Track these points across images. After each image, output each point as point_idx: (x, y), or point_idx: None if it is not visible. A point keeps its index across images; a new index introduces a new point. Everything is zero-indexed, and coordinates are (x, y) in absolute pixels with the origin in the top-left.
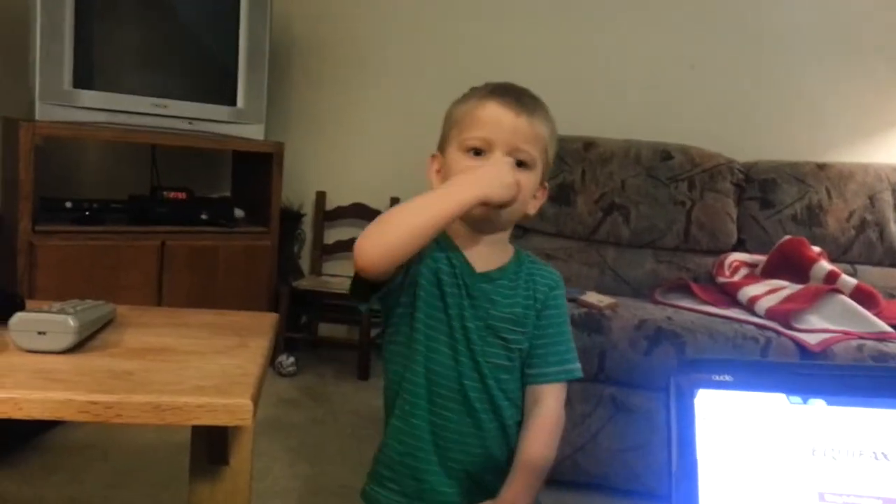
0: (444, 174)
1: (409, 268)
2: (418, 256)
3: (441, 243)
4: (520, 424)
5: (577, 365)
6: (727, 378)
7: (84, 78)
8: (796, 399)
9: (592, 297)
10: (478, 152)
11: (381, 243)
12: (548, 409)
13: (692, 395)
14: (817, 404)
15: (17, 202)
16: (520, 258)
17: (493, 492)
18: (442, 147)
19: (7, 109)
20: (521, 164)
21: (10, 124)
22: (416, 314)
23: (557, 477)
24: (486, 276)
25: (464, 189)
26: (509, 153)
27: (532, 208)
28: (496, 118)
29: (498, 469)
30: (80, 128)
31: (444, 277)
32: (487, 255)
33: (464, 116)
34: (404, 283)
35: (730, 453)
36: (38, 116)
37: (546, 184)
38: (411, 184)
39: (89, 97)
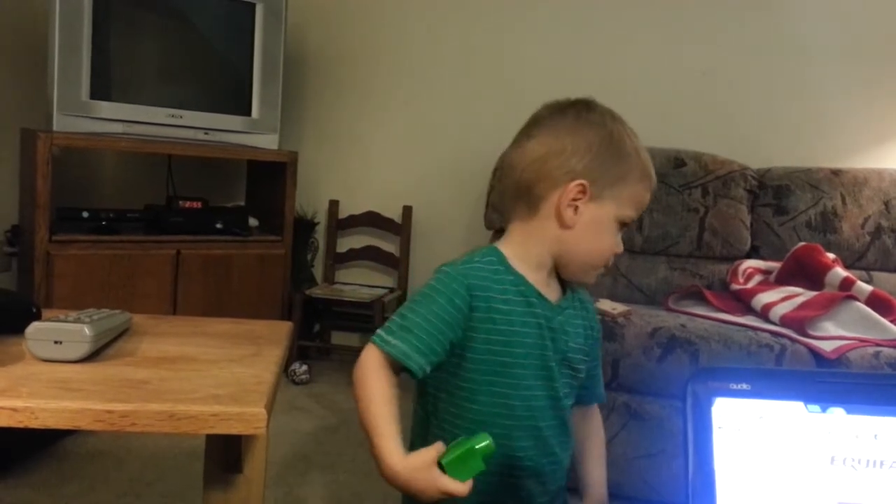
0: (582, 220)
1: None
2: (465, 325)
3: (511, 275)
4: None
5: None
6: (744, 386)
7: (101, 89)
8: (815, 408)
9: (606, 305)
10: (620, 227)
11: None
12: (600, 428)
13: (709, 404)
14: (837, 413)
15: (35, 212)
16: (573, 286)
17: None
18: (597, 184)
19: (25, 121)
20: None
21: (28, 135)
22: (473, 366)
23: (570, 485)
24: (559, 307)
25: (384, 464)
26: None
27: None
28: (643, 208)
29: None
30: (97, 138)
31: (517, 325)
32: (553, 285)
33: (634, 185)
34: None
35: (747, 462)
36: (55, 127)
37: None
38: (424, 192)
39: (106, 108)
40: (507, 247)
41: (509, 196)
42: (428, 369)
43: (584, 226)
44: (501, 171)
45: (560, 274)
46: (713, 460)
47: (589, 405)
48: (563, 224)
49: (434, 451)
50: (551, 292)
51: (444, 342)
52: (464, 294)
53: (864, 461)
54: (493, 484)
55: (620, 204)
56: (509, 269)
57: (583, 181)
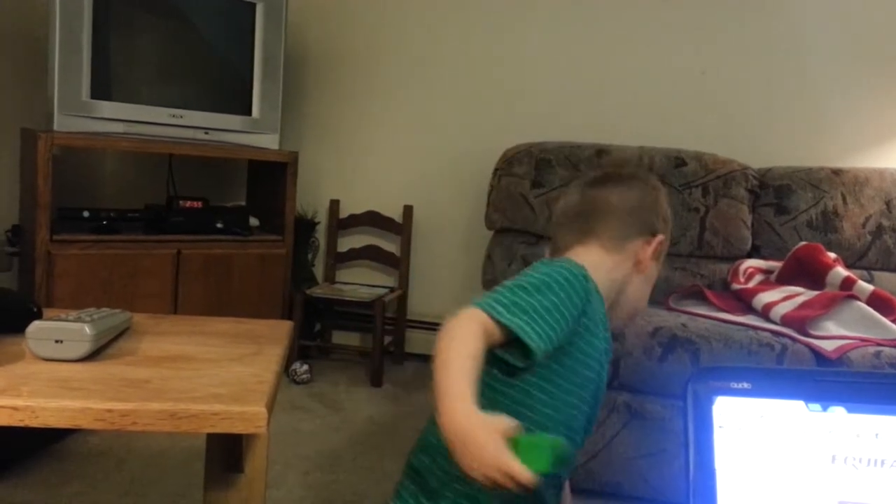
0: (651, 276)
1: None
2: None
3: (597, 294)
4: None
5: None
6: (745, 385)
7: (101, 89)
8: (815, 406)
9: None
10: None
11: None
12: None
13: (710, 403)
14: (837, 412)
15: (36, 212)
16: None
17: None
18: (664, 247)
19: (26, 121)
20: None
21: (28, 135)
22: (588, 360)
23: (571, 485)
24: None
25: (447, 410)
26: None
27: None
28: None
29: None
30: (98, 138)
31: (599, 338)
32: None
33: (667, 241)
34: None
35: (748, 461)
36: (56, 127)
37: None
38: (425, 191)
39: (107, 108)
40: (590, 268)
41: (598, 223)
42: (549, 352)
43: (647, 277)
44: (584, 196)
45: (607, 313)
46: (714, 459)
47: None
48: (638, 270)
49: (506, 422)
50: None
51: (560, 334)
52: (583, 295)
53: (865, 460)
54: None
55: (659, 257)
56: (595, 290)
57: (663, 238)
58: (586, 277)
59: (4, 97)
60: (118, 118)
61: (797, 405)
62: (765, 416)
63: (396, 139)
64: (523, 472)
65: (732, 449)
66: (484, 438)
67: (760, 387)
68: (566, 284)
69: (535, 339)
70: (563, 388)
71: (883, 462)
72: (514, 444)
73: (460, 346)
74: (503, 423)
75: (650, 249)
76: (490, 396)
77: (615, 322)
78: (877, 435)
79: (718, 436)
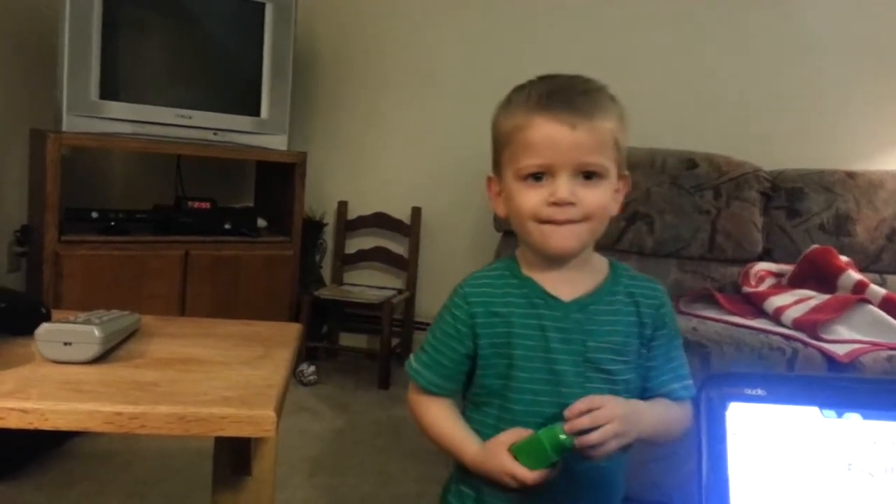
0: (505, 201)
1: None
2: (472, 333)
3: (515, 279)
4: (618, 463)
5: (692, 381)
6: (759, 392)
7: (111, 90)
8: (830, 413)
9: None
10: (538, 176)
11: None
12: (676, 410)
13: (724, 409)
14: (853, 418)
15: (44, 212)
16: (616, 275)
17: None
18: (495, 167)
19: (35, 121)
20: (589, 175)
21: (37, 135)
22: (483, 372)
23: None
24: (577, 304)
25: (466, 461)
26: (575, 171)
27: (615, 205)
28: (550, 139)
29: None
30: (107, 139)
31: (517, 327)
32: (572, 280)
33: (513, 137)
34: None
35: (762, 468)
36: (65, 128)
37: (626, 173)
38: (433, 193)
39: (116, 108)
40: (518, 253)
41: None
42: (440, 381)
43: (507, 203)
44: None
45: (541, 253)
46: (727, 466)
47: None
48: (502, 217)
49: (511, 434)
50: (570, 290)
51: (451, 355)
52: (461, 304)
53: (881, 467)
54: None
55: (513, 164)
56: (516, 274)
57: (489, 174)
58: (462, 285)
59: (14, 97)
60: (127, 118)
61: (812, 411)
62: (779, 422)
63: (405, 141)
64: (525, 473)
65: (746, 456)
66: (491, 461)
67: (775, 393)
68: (448, 305)
69: (425, 375)
70: (494, 384)
71: None
72: (515, 451)
73: (426, 420)
74: (505, 437)
75: (491, 197)
76: (466, 411)
77: (540, 249)
78: (894, 442)
79: (732, 442)
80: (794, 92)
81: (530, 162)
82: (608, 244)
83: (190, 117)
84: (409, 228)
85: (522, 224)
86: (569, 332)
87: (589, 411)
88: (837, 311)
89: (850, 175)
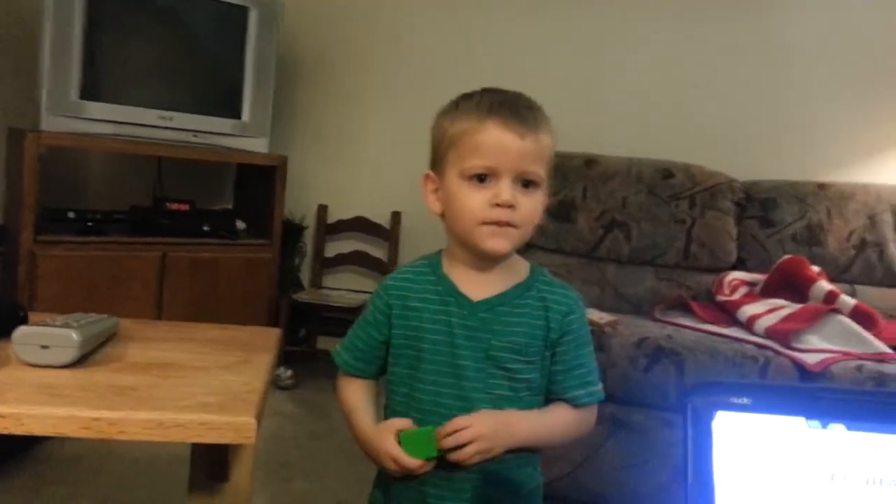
0: (443, 199)
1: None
2: (388, 322)
3: (433, 276)
4: (527, 461)
5: (601, 386)
6: (745, 401)
7: (92, 90)
8: (815, 423)
9: (593, 315)
10: (482, 178)
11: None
12: (564, 414)
13: (710, 418)
14: (837, 429)
15: (21, 212)
16: (532, 280)
17: None
18: (436, 166)
19: (13, 120)
20: (527, 184)
21: (15, 134)
22: (394, 360)
23: (556, 494)
24: (486, 304)
25: (360, 446)
26: (516, 178)
27: (540, 216)
28: (500, 144)
29: None
30: (86, 139)
31: (427, 322)
32: (487, 281)
33: (462, 139)
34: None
35: (747, 477)
36: (44, 127)
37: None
38: (413, 198)
39: (96, 109)
40: (444, 250)
41: None
42: (354, 363)
43: (446, 202)
44: None
45: (473, 252)
46: (713, 475)
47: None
48: (435, 213)
49: (399, 422)
50: (483, 289)
51: (368, 340)
52: (382, 295)
53: (865, 479)
54: (397, 487)
55: (458, 164)
56: (435, 271)
57: (427, 172)
58: (387, 278)
59: None
60: (107, 119)
61: (798, 422)
62: (764, 432)
63: (385, 145)
64: (406, 459)
65: (732, 465)
66: (377, 441)
67: (761, 402)
68: (373, 296)
69: (342, 356)
70: (402, 373)
71: (882, 481)
72: (401, 439)
73: (341, 398)
74: (394, 424)
75: (425, 195)
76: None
77: (481, 250)
78: (876, 453)
79: (717, 451)
80: (768, 104)
81: (478, 163)
82: (585, 252)
83: (171, 118)
84: (389, 233)
85: (462, 222)
86: (474, 331)
87: (456, 431)
88: (809, 320)
89: (822, 186)
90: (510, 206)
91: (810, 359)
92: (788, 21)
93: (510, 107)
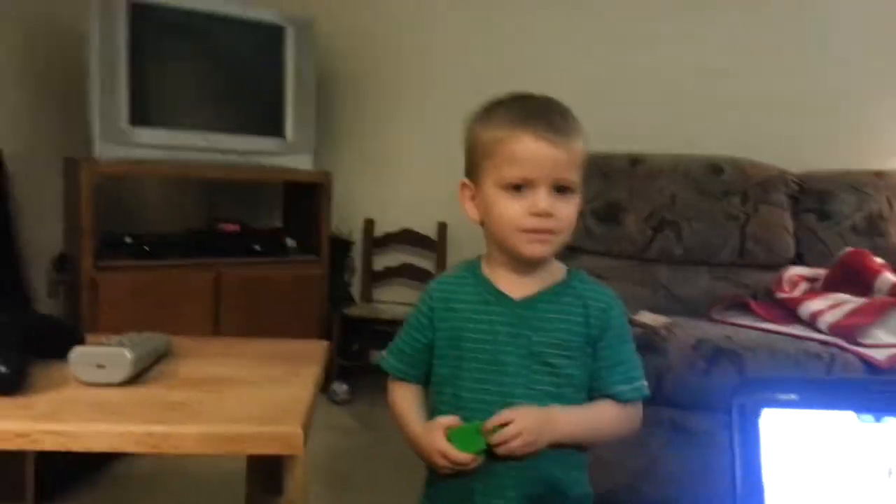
0: (481, 206)
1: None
2: (431, 325)
3: (473, 279)
4: (572, 464)
5: (645, 382)
6: (792, 397)
7: (139, 116)
8: (868, 417)
9: (646, 318)
10: (518, 187)
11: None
12: (607, 410)
13: (756, 415)
14: (891, 423)
15: (80, 239)
16: (570, 280)
17: None
18: (472, 174)
19: (67, 150)
20: (562, 189)
21: (70, 164)
22: (438, 361)
23: (617, 503)
24: (527, 302)
25: (411, 446)
26: (552, 185)
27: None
28: (534, 155)
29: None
30: (137, 165)
31: (469, 321)
32: (526, 282)
33: (496, 149)
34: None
35: (797, 475)
36: (96, 154)
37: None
38: (458, 208)
39: (145, 134)
40: (484, 254)
41: None
42: (400, 367)
43: (484, 210)
44: None
45: (513, 256)
46: (761, 473)
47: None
48: (474, 220)
49: (447, 419)
50: (523, 289)
51: (413, 343)
52: (426, 299)
53: None
54: (444, 486)
55: (495, 173)
56: (475, 274)
57: (463, 180)
58: (430, 285)
59: (47, 127)
60: (156, 144)
61: (848, 416)
62: (813, 427)
63: (427, 156)
64: (456, 454)
65: (780, 463)
66: (426, 438)
67: (808, 398)
68: (417, 302)
69: (389, 361)
70: (447, 373)
71: None
72: (449, 435)
73: (391, 402)
74: (442, 422)
75: (463, 202)
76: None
77: (520, 255)
78: None
79: (765, 449)
80: (815, 90)
81: (514, 174)
82: (635, 254)
83: (217, 140)
84: (436, 244)
85: (501, 230)
86: (516, 328)
87: (503, 425)
88: (875, 314)
89: (879, 174)
90: (548, 215)
91: (878, 354)
92: (836, 4)
93: (542, 115)
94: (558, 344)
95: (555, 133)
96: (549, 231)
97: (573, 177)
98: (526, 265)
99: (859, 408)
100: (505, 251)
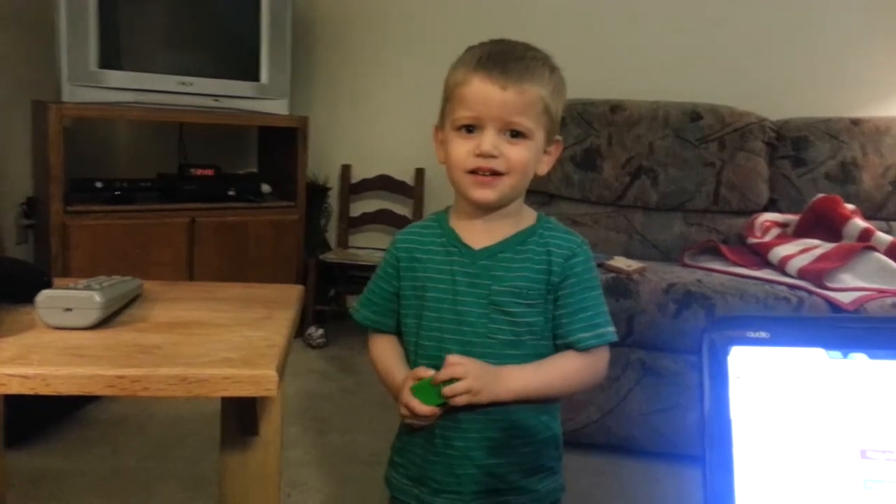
0: (444, 148)
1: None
2: (397, 275)
3: (439, 229)
4: (541, 409)
5: (611, 328)
6: (762, 334)
7: (110, 58)
8: (836, 354)
9: (620, 262)
10: (470, 129)
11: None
12: (565, 361)
13: (725, 353)
14: (858, 359)
15: (49, 184)
16: (536, 227)
17: (510, 482)
18: (441, 119)
19: (36, 93)
20: (515, 134)
21: (38, 107)
22: (404, 311)
23: (586, 440)
24: (487, 252)
25: (391, 390)
26: (501, 129)
27: (544, 166)
28: (482, 96)
29: (508, 455)
30: (108, 108)
31: (432, 272)
32: (491, 230)
33: (454, 92)
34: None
35: (766, 412)
36: (65, 98)
37: (558, 138)
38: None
39: (115, 77)
40: (452, 204)
41: None
42: (371, 316)
43: (445, 151)
44: None
45: (470, 204)
46: (729, 410)
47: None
48: (442, 164)
49: (421, 371)
50: (487, 238)
51: (382, 293)
52: (392, 250)
53: (888, 407)
54: (420, 436)
55: (451, 115)
56: (441, 224)
57: (435, 124)
58: (393, 240)
59: (14, 69)
60: (127, 87)
61: (817, 353)
62: (783, 365)
63: (407, 101)
64: (417, 406)
65: (749, 400)
66: (394, 390)
67: (778, 335)
68: (385, 252)
69: (360, 312)
70: (411, 322)
71: None
72: (414, 388)
73: (371, 354)
74: (411, 374)
75: (435, 146)
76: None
77: (468, 197)
78: None
79: (734, 386)
80: (797, 40)
81: (463, 114)
82: (612, 200)
83: (190, 84)
84: (413, 190)
85: (452, 172)
86: (475, 277)
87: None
88: (843, 259)
89: (855, 122)
90: (493, 156)
91: (845, 297)
92: None
93: (498, 59)
94: (517, 292)
95: (506, 76)
96: (494, 172)
97: (525, 121)
98: (485, 212)
99: (828, 344)
100: (459, 195)
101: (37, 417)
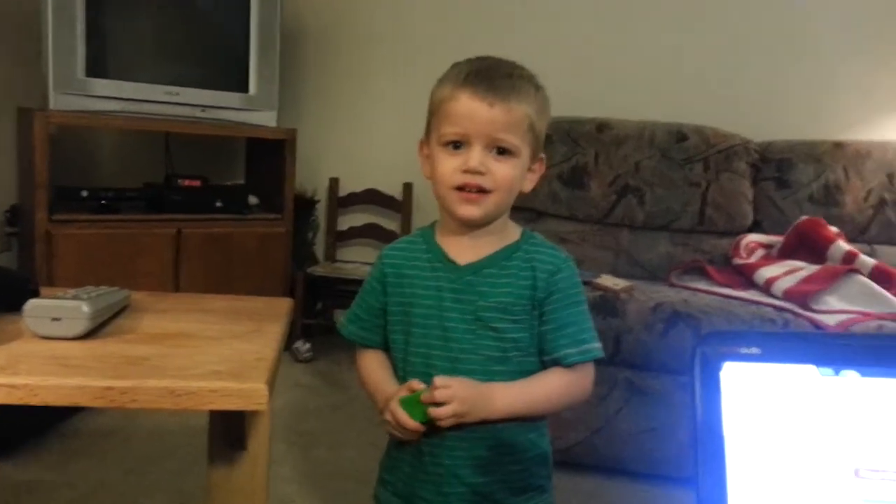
0: (430, 163)
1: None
2: (384, 290)
3: (425, 245)
4: (529, 427)
5: (597, 345)
6: (755, 350)
7: (97, 67)
8: (827, 371)
9: (607, 281)
10: (457, 145)
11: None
12: (551, 379)
13: (718, 369)
14: (850, 376)
15: (34, 191)
16: (521, 242)
17: (498, 501)
18: (427, 133)
19: (22, 100)
20: (502, 151)
21: (24, 114)
22: (391, 327)
23: (573, 460)
24: (472, 267)
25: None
26: (488, 146)
27: (529, 184)
28: (469, 112)
29: (496, 474)
30: (94, 116)
31: (418, 288)
32: (476, 246)
33: (440, 107)
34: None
35: (758, 429)
36: (52, 106)
37: (542, 155)
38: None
39: (102, 86)
40: (438, 220)
41: None
42: (358, 332)
43: (431, 166)
44: None
45: (456, 221)
46: (722, 427)
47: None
48: (428, 179)
49: (414, 384)
50: (472, 254)
51: (369, 309)
52: (379, 265)
53: (881, 426)
54: (408, 452)
55: (437, 131)
56: (427, 240)
57: (420, 139)
58: (379, 255)
59: (0, 76)
60: (114, 96)
61: (808, 370)
62: (775, 381)
63: (396, 115)
64: (403, 418)
65: (742, 416)
66: (382, 404)
67: (770, 351)
68: (372, 268)
69: (347, 328)
70: (398, 339)
71: None
72: (402, 401)
73: (359, 371)
74: (399, 389)
75: (421, 161)
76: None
77: (454, 214)
78: (892, 399)
79: (727, 402)
80: (781, 63)
81: (450, 130)
82: (598, 218)
83: (177, 94)
84: (401, 205)
85: (438, 188)
86: (461, 293)
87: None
88: (827, 281)
89: (838, 145)
90: (480, 173)
91: (830, 320)
92: None
93: (485, 75)
94: (502, 308)
95: (494, 93)
96: (481, 189)
97: (512, 139)
98: (470, 228)
99: (820, 361)
100: (445, 212)
101: (22, 428)
